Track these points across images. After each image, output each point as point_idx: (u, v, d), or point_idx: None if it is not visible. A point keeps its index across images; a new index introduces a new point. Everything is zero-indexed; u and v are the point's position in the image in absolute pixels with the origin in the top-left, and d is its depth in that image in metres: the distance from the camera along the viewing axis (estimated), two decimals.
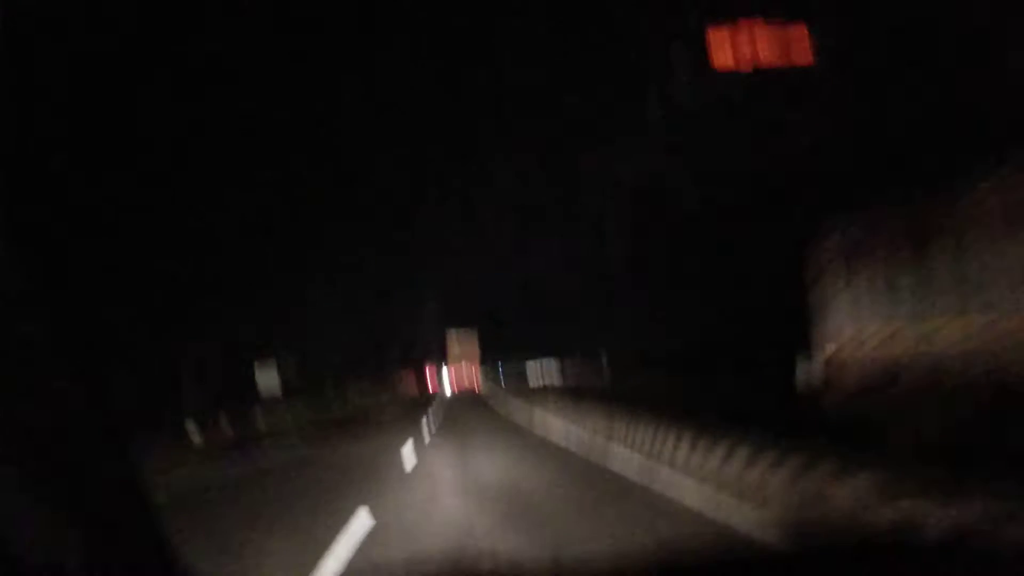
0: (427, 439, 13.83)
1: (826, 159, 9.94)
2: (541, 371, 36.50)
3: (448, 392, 40.97)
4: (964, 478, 3.88)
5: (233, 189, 17.83)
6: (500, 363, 42.36)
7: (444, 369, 43.46)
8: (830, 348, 8.63)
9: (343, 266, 27.68)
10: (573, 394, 21.56)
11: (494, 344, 41.29)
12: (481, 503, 6.53)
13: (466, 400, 32.54)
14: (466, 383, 42.74)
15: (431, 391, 40.69)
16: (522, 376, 37.79)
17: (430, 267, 36.49)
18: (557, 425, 13.87)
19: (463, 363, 43.39)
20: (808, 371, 9.28)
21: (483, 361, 43.73)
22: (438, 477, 8.55)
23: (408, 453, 10.91)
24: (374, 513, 6.10)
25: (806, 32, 10.09)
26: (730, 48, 10.11)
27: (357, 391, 29.48)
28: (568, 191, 22.86)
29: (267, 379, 20.15)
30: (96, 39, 11.30)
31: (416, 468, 9.55)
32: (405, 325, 39.06)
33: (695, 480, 6.58)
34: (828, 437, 5.62)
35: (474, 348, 43.54)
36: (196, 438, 14.64)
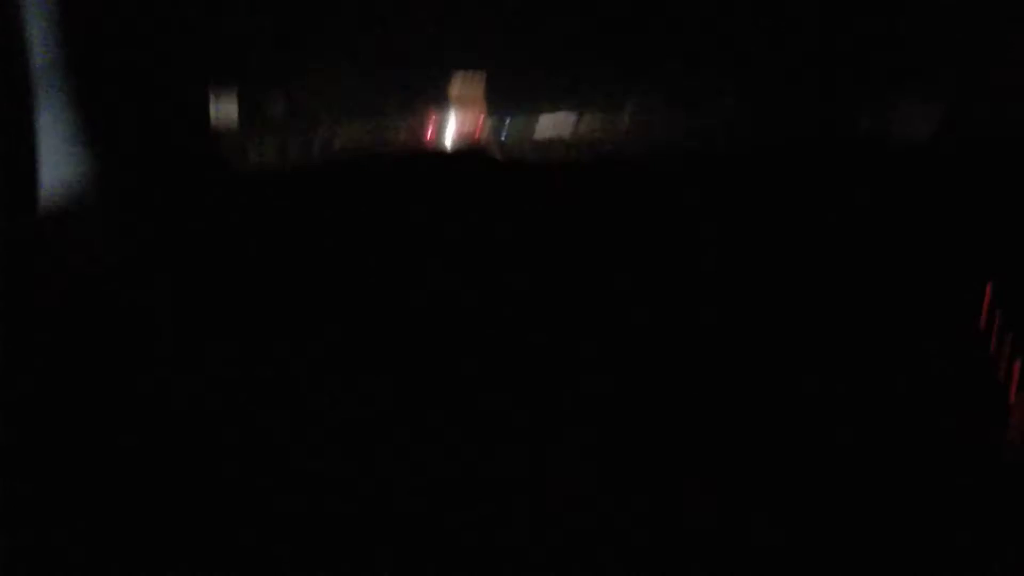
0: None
1: None
2: (553, 125, 33.52)
3: (448, 143, 37.93)
4: None
5: None
6: (508, 118, 38.87)
7: (449, 117, 39.99)
8: None
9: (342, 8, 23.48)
10: (578, 149, 19.18)
11: (505, 93, 37.50)
12: None
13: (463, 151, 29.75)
14: (467, 132, 39.57)
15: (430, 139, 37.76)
16: (531, 129, 34.91)
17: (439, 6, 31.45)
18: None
19: (467, 111, 39.72)
20: None
21: (490, 112, 40.14)
22: None
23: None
24: None
25: None
26: None
27: (349, 136, 26.51)
28: None
29: (223, 111, 16.65)
30: None
31: None
32: (409, 67, 35.05)
33: None
34: None
35: (479, 95, 39.55)
36: None
